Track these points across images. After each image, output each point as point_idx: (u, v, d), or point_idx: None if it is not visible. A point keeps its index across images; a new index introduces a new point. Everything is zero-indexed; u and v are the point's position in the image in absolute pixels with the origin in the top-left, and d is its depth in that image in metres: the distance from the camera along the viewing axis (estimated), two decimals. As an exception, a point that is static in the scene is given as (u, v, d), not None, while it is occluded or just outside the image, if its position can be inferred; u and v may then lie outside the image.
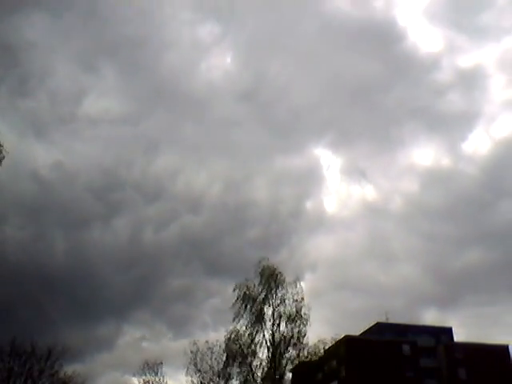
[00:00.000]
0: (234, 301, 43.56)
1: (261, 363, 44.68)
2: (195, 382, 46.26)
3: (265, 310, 44.03)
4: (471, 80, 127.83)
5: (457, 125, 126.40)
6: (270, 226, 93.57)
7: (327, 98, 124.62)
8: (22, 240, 79.49)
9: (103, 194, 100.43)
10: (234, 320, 42.79)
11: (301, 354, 44.52)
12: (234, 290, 44.14)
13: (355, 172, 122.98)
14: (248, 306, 43.52)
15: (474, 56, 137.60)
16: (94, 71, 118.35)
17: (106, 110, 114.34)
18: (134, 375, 49.54)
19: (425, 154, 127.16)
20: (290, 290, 44.29)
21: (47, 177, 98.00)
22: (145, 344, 76.52)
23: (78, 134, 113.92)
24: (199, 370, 45.83)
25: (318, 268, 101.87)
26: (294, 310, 44.07)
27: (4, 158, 23.51)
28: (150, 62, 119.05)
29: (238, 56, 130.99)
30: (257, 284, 44.23)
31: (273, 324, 44.10)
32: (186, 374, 46.29)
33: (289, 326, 43.75)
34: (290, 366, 45.91)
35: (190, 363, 46.26)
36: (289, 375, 48.71)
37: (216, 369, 45.96)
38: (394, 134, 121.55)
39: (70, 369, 48.40)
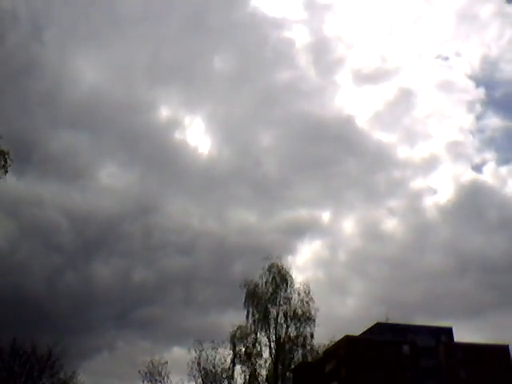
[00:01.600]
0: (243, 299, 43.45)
1: (265, 362, 44.71)
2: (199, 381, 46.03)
3: (271, 308, 43.99)
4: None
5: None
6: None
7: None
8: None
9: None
10: (247, 318, 42.66)
11: (308, 355, 44.48)
12: (242, 286, 44.04)
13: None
14: (255, 304, 43.47)
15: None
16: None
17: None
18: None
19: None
20: (296, 290, 44.33)
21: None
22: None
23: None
24: (204, 369, 45.54)
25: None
26: (300, 310, 44.10)
27: (10, 166, 23.37)
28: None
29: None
30: (264, 282, 44.20)
31: (276, 324, 44.12)
32: (190, 373, 46.02)
33: (295, 326, 43.74)
34: (293, 366, 45.92)
35: (193, 362, 46.04)
36: (289, 375, 48.74)
37: (220, 368, 45.79)
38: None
39: None
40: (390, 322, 58.74)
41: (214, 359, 46.43)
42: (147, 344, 73.13)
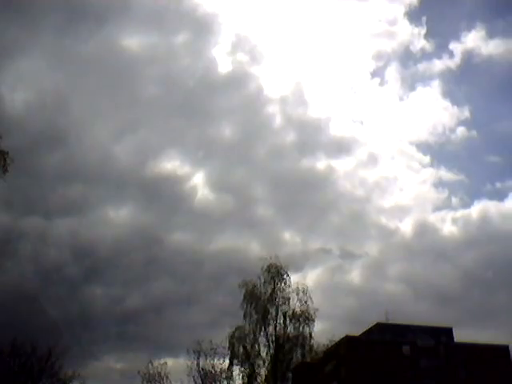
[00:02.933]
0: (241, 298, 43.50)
1: (264, 363, 44.73)
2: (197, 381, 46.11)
3: (269, 308, 44.01)
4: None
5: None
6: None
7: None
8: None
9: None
10: (244, 318, 42.74)
11: (307, 355, 44.50)
12: (241, 287, 44.10)
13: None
14: (253, 304, 43.49)
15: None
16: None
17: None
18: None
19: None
20: (295, 290, 44.36)
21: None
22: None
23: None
24: (203, 369, 45.61)
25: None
26: (299, 310, 44.14)
27: (9, 165, 23.42)
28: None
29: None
30: (262, 282, 44.26)
31: (275, 324, 44.17)
32: (189, 373, 46.09)
33: (294, 326, 43.79)
34: (292, 366, 45.91)
35: (192, 362, 46.12)
36: (289, 375, 48.74)
37: (218, 368, 45.86)
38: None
39: None
40: (390, 322, 58.73)
41: (214, 359, 46.57)
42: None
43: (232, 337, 44.06)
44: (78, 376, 49.58)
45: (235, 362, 44.97)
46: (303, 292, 44.75)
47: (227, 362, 45.37)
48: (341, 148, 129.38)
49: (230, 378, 45.30)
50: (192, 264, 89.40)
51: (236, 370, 45.35)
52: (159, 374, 47.38)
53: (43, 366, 47.98)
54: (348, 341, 55.46)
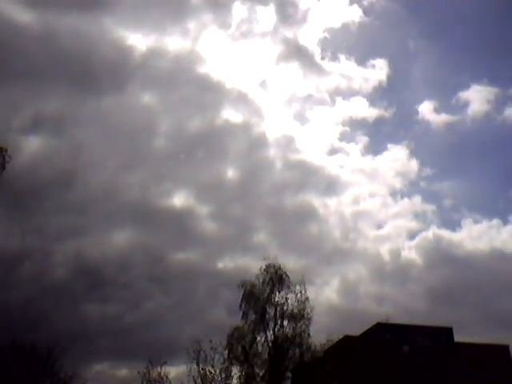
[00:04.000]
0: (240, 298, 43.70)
1: (262, 363, 44.81)
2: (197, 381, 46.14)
3: (268, 308, 44.16)
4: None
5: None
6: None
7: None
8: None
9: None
10: (242, 318, 42.95)
11: (304, 355, 44.59)
12: (240, 287, 44.27)
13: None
14: (252, 304, 43.65)
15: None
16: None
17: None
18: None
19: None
20: (293, 290, 44.49)
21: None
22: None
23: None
24: (203, 369, 45.70)
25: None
26: (297, 309, 44.24)
27: (8, 162, 23.37)
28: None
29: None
30: (261, 282, 44.43)
31: (274, 324, 44.27)
32: (188, 373, 46.17)
33: (291, 325, 43.89)
34: (291, 366, 45.99)
35: (191, 362, 46.19)
36: (289, 375, 48.80)
37: (218, 368, 45.92)
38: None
39: None
40: (390, 321, 58.74)
41: (213, 359, 46.67)
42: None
43: (231, 337, 44.20)
44: (78, 376, 49.88)
45: (234, 361, 45.11)
46: (301, 292, 44.87)
47: (226, 361, 45.48)
48: (330, 188, 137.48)
49: (228, 377, 45.44)
50: (192, 282, 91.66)
51: (235, 369, 45.50)
52: (159, 374, 47.61)
53: (43, 365, 48.20)
54: (348, 341, 55.55)
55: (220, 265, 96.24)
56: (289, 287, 44.84)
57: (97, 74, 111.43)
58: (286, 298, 44.51)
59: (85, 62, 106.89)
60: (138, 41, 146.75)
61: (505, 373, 55.20)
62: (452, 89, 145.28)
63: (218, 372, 45.81)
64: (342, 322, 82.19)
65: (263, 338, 44.16)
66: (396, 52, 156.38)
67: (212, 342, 46.59)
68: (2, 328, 44.64)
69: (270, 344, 43.96)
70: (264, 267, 45.04)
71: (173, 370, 51.86)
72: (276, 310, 44.42)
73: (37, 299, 68.40)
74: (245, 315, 43.74)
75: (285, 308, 44.36)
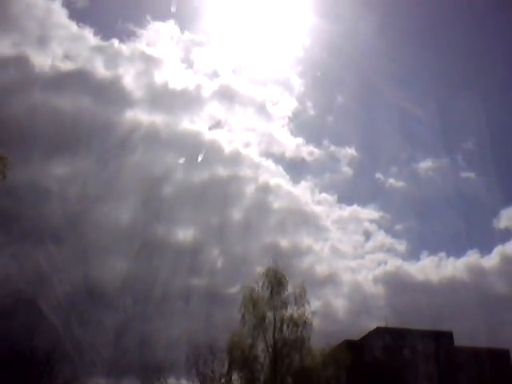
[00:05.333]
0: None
1: (262, 367, 44.66)
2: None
3: (267, 313, 44.00)
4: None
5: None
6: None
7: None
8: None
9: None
10: (241, 322, 42.83)
11: (304, 359, 44.42)
12: (239, 292, 44.17)
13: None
14: (251, 309, 43.49)
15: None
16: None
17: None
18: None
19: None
20: (292, 294, 44.35)
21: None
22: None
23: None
24: (201, 374, 45.63)
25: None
26: (297, 314, 44.09)
27: (9, 170, 22.96)
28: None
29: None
30: (261, 286, 44.31)
31: (274, 329, 44.08)
32: (188, 379, 46.14)
33: (292, 330, 43.72)
34: (292, 371, 45.81)
35: (191, 368, 46.10)
36: (289, 380, 48.61)
37: (218, 373, 45.82)
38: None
39: None
40: (389, 326, 58.76)
41: (213, 364, 46.54)
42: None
43: (231, 342, 44.04)
44: (77, 380, 49.55)
45: (234, 366, 44.98)
46: (301, 296, 44.70)
47: (226, 366, 45.43)
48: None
49: (228, 382, 45.35)
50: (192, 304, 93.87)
51: (235, 374, 45.42)
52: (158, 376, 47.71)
53: (42, 370, 47.93)
54: (348, 345, 55.47)
55: (221, 289, 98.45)
56: (288, 291, 44.71)
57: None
58: (286, 303, 44.35)
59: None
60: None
61: (505, 377, 55.19)
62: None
63: (217, 377, 45.78)
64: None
65: (263, 343, 43.94)
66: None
67: (212, 347, 46.69)
68: (1, 333, 44.43)
69: (270, 349, 43.75)
70: (263, 271, 44.94)
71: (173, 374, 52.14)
72: (275, 314, 44.26)
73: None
74: (244, 320, 43.56)
75: (284, 312, 44.21)
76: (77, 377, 48.39)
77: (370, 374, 53.65)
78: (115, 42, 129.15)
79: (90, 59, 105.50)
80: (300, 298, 44.58)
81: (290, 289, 45.09)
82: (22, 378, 47.20)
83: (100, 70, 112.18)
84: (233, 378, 45.26)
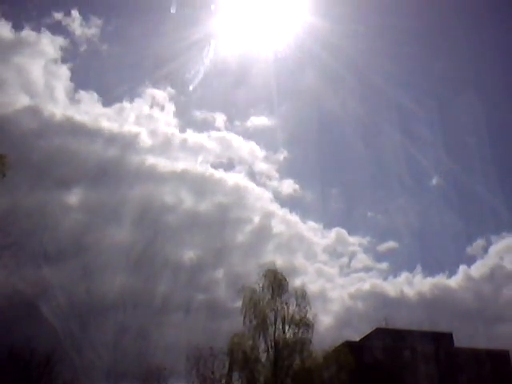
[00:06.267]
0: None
1: (263, 368, 44.54)
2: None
3: (268, 314, 43.93)
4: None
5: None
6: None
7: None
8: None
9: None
10: (244, 324, 42.78)
11: (306, 361, 44.37)
12: (240, 292, 44.09)
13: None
14: (252, 310, 43.43)
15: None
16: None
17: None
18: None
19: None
20: (294, 295, 44.33)
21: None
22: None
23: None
24: (202, 375, 45.45)
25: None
26: (298, 315, 44.04)
27: (8, 169, 22.78)
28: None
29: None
30: (261, 287, 44.28)
31: (274, 330, 44.02)
32: (188, 380, 45.92)
33: (293, 331, 43.69)
34: (293, 372, 45.74)
35: (192, 368, 45.90)
36: (290, 381, 48.49)
37: (218, 374, 45.66)
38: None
39: None
40: (389, 327, 58.67)
41: (213, 365, 46.37)
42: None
43: (231, 342, 43.91)
44: (77, 382, 49.37)
45: (234, 367, 44.85)
46: (302, 297, 44.67)
47: (226, 366, 45.27)
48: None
49: (229, 383, 45.18)
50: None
51: (235, 375, 45.28)
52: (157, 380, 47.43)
53: (41, 372, 47.77)
54: (348, 346, 55.34)
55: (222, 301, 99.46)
56: (289, 292, 44.67)
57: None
58: (287, 304, 44.31)
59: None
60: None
61: (505, 378, 55.16)
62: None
63: (218, 378, 45.62)
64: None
65: (264, 344, 43.87)
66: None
67: (212, 349, 46.50)
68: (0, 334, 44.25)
69: (271, 350, 43.68)
70: (263, 272, 44.89)
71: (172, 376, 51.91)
72: (276, 315, 44.18)
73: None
74: (245, 320, 43.48)
75: (285, 313, 44.15)
76: (77, 379, 48.25)
77: (370, 375, 53.51)
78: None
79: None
80: (301, 300, 44.54)
81: (290, 290, 45.05)
82: (21, 380, 47.04)
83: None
84: (233, 378, 45.06)
